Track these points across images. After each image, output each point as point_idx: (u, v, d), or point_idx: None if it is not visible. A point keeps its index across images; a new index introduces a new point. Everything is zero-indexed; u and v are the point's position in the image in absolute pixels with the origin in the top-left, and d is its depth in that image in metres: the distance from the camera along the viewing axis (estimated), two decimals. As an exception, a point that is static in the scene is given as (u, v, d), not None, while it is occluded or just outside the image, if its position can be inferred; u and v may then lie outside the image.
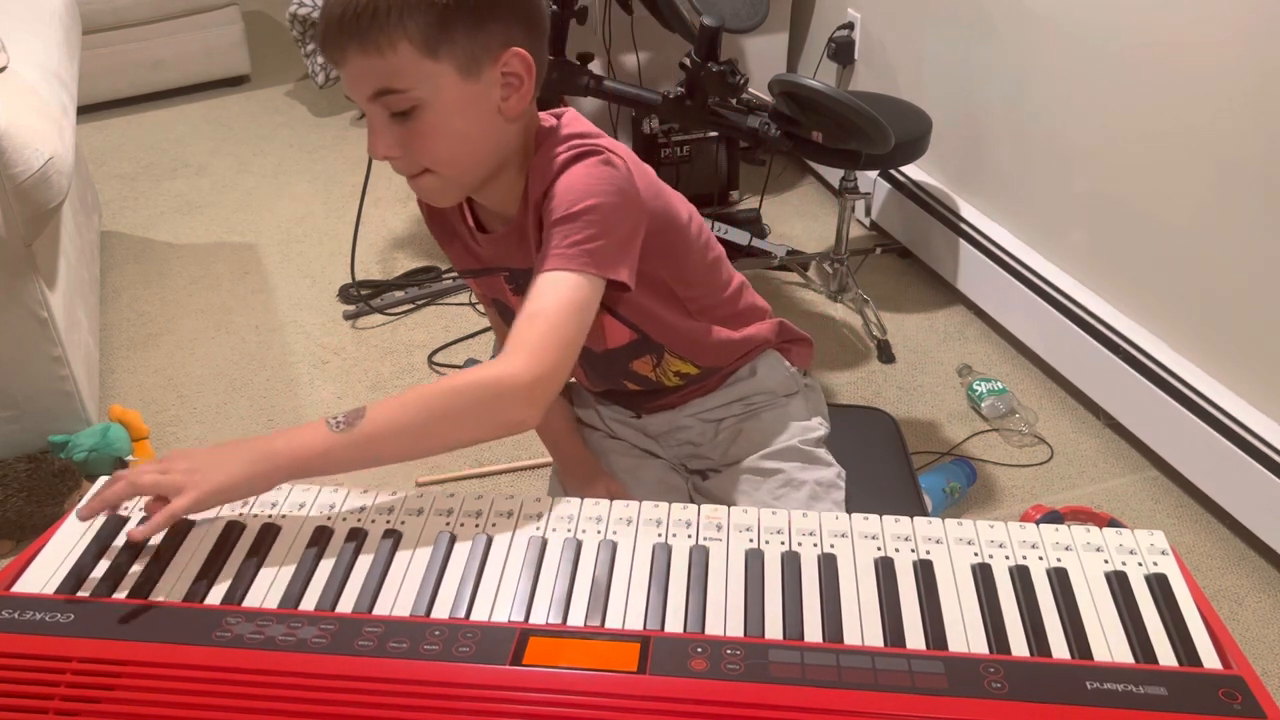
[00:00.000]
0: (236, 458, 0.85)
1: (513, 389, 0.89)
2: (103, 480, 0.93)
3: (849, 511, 0.92)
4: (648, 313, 1.11)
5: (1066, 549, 0.87)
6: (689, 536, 0.87)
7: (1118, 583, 0.83)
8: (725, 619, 0.79)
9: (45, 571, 0.84)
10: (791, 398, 1.24)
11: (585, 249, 0.94)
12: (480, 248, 1.10)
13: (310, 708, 0.71)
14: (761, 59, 2.90)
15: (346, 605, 0.80)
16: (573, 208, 0.96)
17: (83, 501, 0.87)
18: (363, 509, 0.90)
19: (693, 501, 1.15)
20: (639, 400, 1.24)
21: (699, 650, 0.75)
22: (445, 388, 0.90)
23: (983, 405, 2.14)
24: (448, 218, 1.12)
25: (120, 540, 0.87)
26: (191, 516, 0.89)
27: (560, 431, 1.29)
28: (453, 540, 0.86)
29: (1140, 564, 0.85)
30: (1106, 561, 0.85)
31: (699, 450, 1.25)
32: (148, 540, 0.85)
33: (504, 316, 1.17)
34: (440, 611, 0.79)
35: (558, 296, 0.93)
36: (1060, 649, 0.77)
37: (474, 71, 0.94)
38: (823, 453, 1.20)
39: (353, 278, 2.51)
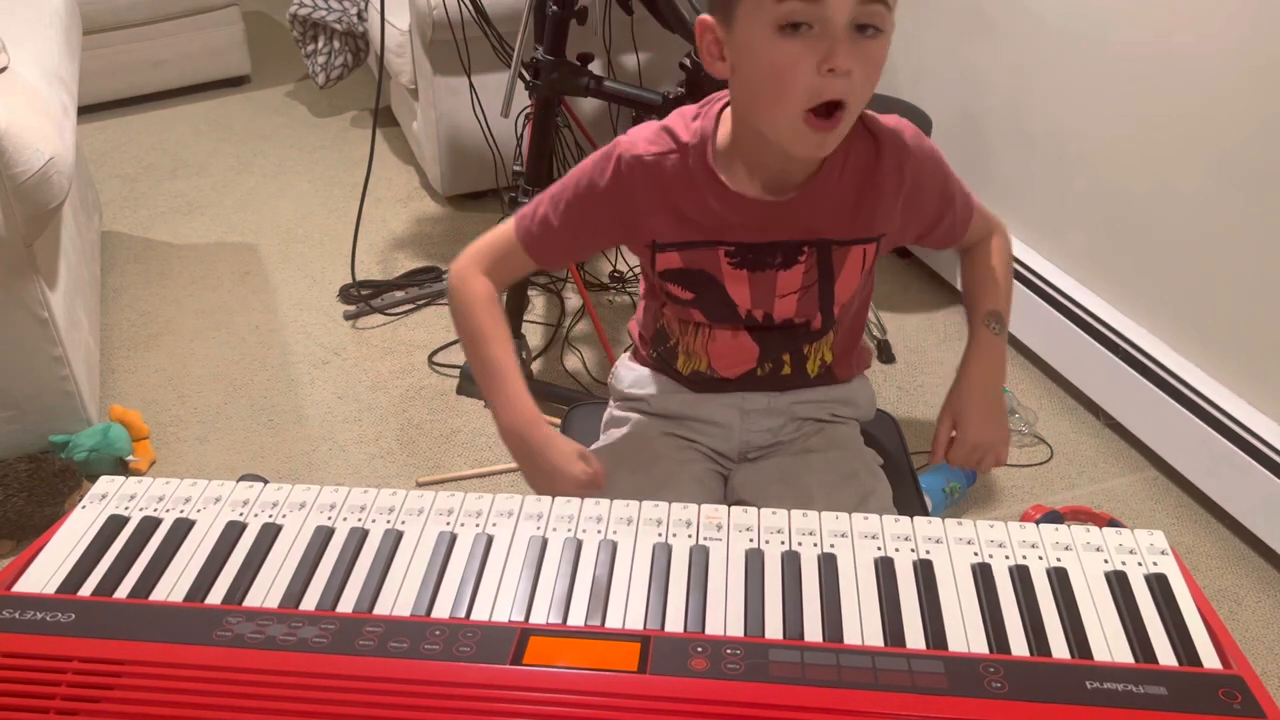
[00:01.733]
0: None
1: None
2: (105, 480, 0.93)
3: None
4: (866, 283, 1.16)
5: (1066, 549, 0.87)
6: (689, 536, 0.87)
7: (1118, 582, 0.83)
8: (725, 619, 0.79)
9: (46, 571, 0.84)
10: (862, 423, 1.27)
11: None
12: (726, 213, 1.06)
13: (311, 707, 0.71)
14: (761, 59, 2.90)
15: (347, 605, 0.80)
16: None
17: None
18: (363, 509, 0.90)
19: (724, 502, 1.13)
20: (753, 383, 1.20)
21: (699, 650, 0.75)
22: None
23: None
24: (669, 184, 1.07)
25: (120, 540, 0.87)
26: (192, 516, 0.89)
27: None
28: (453, 540, 0.86)
29: (1140, 564, 0.85)
30: (1106, 561, 0.86)
31: (775, 438, 1.23)
32: (150, 539, 0.85)
33: (702, 295, 1.12)
34: (441, 611, 0.79)
35: None
36: (1060, 649, 0.77)
37: None
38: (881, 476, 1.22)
39: (353, 278, 2.51)
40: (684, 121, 1.08)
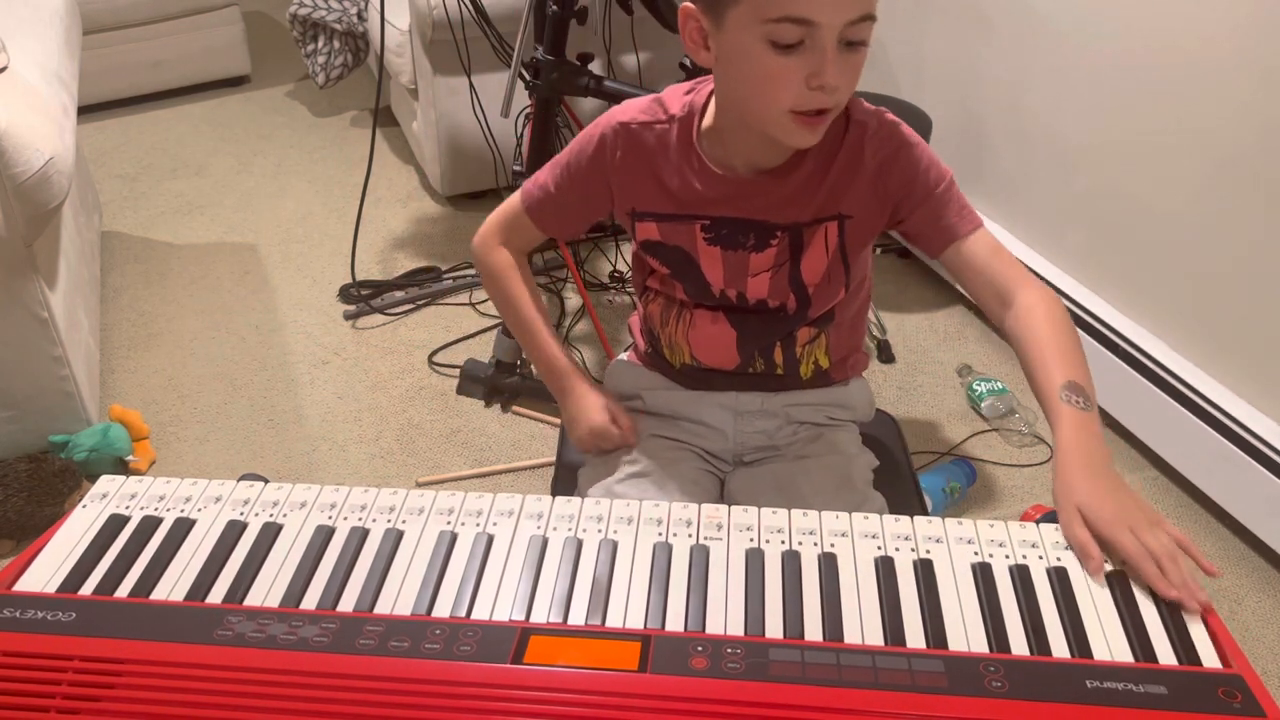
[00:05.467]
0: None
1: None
2: (105, 480, 0.93)
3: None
4: (856, 271, 1.15)
5: (1066, 548, 0.87)
6: (689, 536, 0.87)
7: (1117, 582, 0.83)
8: (725, 618, 0.79)
9: (46, 570, 0.84)
10: (859, 425, 1.26)
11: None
12: (704, 188, 1.09)
13: (311, 706, 0.71)
14: (761, 59, 2.90)
15: (348, 604, 0.80)
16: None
17: None
18: (364, 508, 0.90)
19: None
20: (746, 382, 1.22)
21: (699, 649, 0.75)
22: None
23: (983, 405, 2.14)
24: (652, 154, 1.11)
25: (121, 540, 0.87)
26: (192, 516, 0.89)
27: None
28: (453, 539, 0.86)
29: (1140, 563, 0.85)
30: (1106, 561, 0.86)
31: (770, 441, 1.22)
32: (150, 539, 0.85)
33: (678, 270, 1.16)
34: (441, 610, 0.79)
35: None
36: (1060, 648, 0.77)
37: None
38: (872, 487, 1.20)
39: (353, 278, 2.51)
40: (677, 95, 1.11)
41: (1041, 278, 2.15)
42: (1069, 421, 0.94)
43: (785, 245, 1.10)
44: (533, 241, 1.25)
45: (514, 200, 1.22)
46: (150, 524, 0.88)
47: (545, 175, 1.18)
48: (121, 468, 1.98)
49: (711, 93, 1.09)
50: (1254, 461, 1.75)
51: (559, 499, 0.91)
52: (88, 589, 0.82)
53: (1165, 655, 0.77)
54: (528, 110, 2.11)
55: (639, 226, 1.15)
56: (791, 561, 0.84)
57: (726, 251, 1.11)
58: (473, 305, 2.51)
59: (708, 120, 1.09)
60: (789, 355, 1.19)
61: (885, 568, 0.84)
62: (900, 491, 1.27)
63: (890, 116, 1.09)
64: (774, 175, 1.08)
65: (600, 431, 1.19)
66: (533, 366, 1.23)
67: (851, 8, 0.91)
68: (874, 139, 1.07)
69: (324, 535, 0.87)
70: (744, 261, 1.12)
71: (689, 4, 0.99)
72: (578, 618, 0.79)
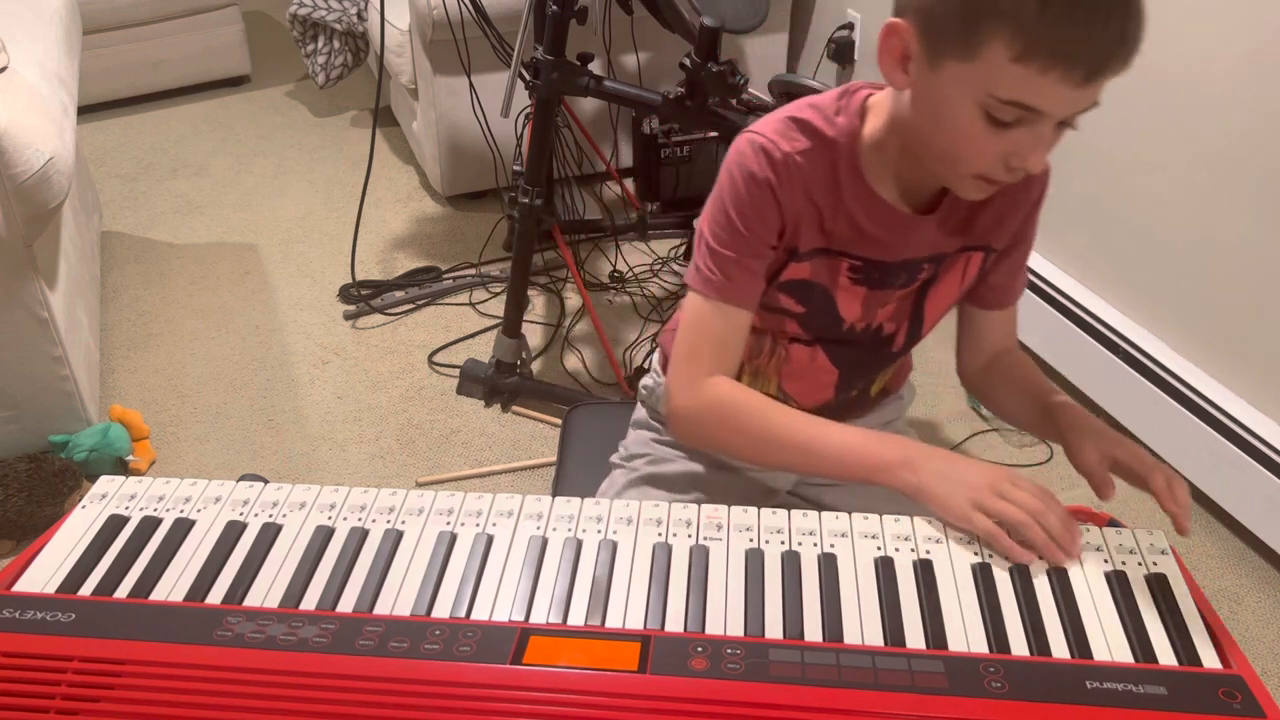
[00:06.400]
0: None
1: None
2: (105, 480, 0.93)
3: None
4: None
5: (1066, 549, 0.87)
6: (689, 536, 0.87)
7: (1117, 582, 0.83)
8: (725, 618, 0.79)
9: (46, 571, 0.84)
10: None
11: None
12: (867, 221, 0.97)
13: (311, 707, 0.71)
14: (761, 59, 2.90)
15: (347, 605, 0.80)
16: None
17: None
18: (363, 508, 0.90)
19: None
20: (823, 415, 1.04)
21: (699, 650, 0.75)
22: None
23: (983, 405, 2.14)
24: (811, 186, 0.97)
25: (121, 540, 0.87)
26: (192, 516, 0.89)
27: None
28: (453, 540, 0.86)
29: (1140, 564, 0.86)
30: (1106, 561, 0.86)
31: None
32: (149, 540, 0.85)
33: (813, 309, 1.03)
34: (441, 611, 0.79)
35: None
36: (1060, 648, 0.77)
37: None
38: None
39: (353, 278, 2.51)
40: (822, 116, 0.97)
41: (1042, 278, 2.17)
42: (1072, 406, 1.03)
43: (926, 276, 1.03)
44: (737, 346, 1.01)
45: (693, 311, 1.00)
46: (150, 524, 0.88)
47: (707, 246, 0.99)
48: (121, 468, 1.98)
49: (865, 102, 0.97)
50: (1254, 461, 1.75)
51: (559, 499, 0.91)
52: (87, 589, 0.82)
53: (1165, 655, 0.77)
54: (528, 110, 2.11)
55: (791, 266, 1.00)
56: (791, 562, 0.84)
57: (871, 291, 1.02)
58: (473, 305, 2.51)
59: (869, 136, 0.96)
60: (868, 383, 1.13)
61: (885, 568, 0.84)
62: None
63: None
64: (941, 212, 0.99)
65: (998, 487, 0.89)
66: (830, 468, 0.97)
67: (1085, 99, 0.84)
68: (1043, 171, 0.99)
69: (323, 536, 0.87)
70: (886, 298, 1.04)
71: (901, 21, 0.87)
72: (577, 618, 0.79)
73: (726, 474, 1.16)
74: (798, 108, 0.98)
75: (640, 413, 1.27)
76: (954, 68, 0.84)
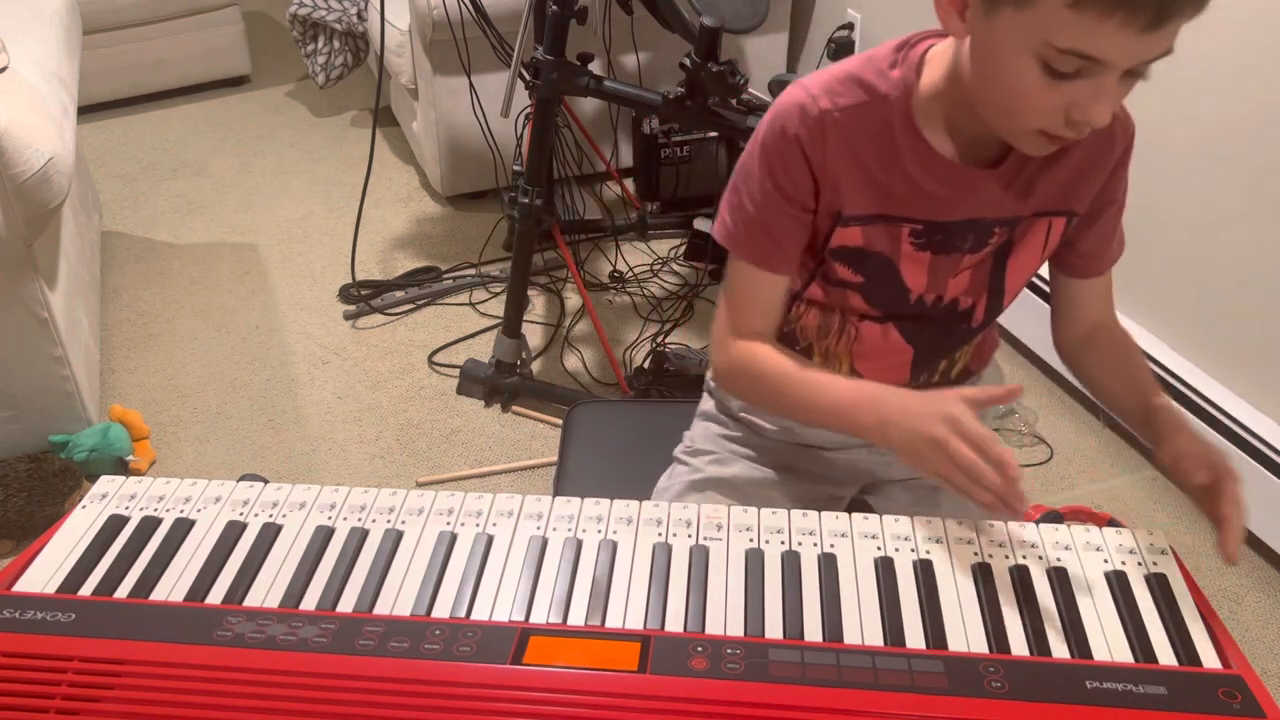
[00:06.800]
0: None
1: None
2: (105, 480, 0.93)
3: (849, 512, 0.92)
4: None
5: (1066, 549, 0.87)
6: (689, 536, 0.87)
7: (1117, 582, 0.83)
8: (725, 618, 0.79)
9: (46, 571, 0.84)
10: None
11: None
12: (924, 179, 0.93)
13: (311, 707, 0.71)
14: (761, 59, 2.90)
15: (347, 605, 0.80)
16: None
17: None
18: (363, 508, 0.90)
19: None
20: None
21: (699, 650, 0.75)
22: None
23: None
24: (858, 144, 0.93)
25: (121, 540, 0.87)
26: (192, 516, 0.89)
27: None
28: (453, 540, 0.86)
29: (1140, 564, 0.86)
30: (1106, 561, 0.86)
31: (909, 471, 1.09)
32: (151, 537, 0.85)
33: (874, 278, 0.99)
34: (441, 611, 0.79)
35: None
36: (1060, 649, 0.77)
37: None
38: None
39: (353, 278, 2.51)
40: (877, 70, 0.93)
41: (1041, 277, 2.16)
42: (1175, 411, 0.99)
43: (1000, 242, 0.98)
44: (767, 307, 1.01)
45: (729, 268, 1.00)
46: (150, 524, 0.88)
47: (735, 199, 0.98)
48: (121, 468, 1.98)
49: (924, 55, 0.92)
50: (1254, 461, 1.75)
51: (559, 499, 0.91)
52: (87, 589, 0.82)
53: (1165, 656, 0.77)
54: (528, 110, 2.11)
55: (839, 232, 0.96)
56: (791, 562, 0.84)
57: (937, 256, 0.97)
58: (473, 305, 2.51)
59: (924, 92, 0.91)
60: (948, 363, 1.08)
61: (885, 568, 0.84)
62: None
63: None
64: (1008, 165, 0.93)
65: (961, 420, 0.86)
66: (859, 429, 0.94)
67: (1153, 48, 0.79)
68: (1123, 125, 0.93)
69: (323, 536, 0.87)
70: (954, 265, 0.98)
71: None
72: (577, 618, 0.79)
73: (790, 478, 1.12)
74: (852, 62, 0.94)
75: (707, 404, 1.21)
76: (1009, 15, 0.79)
